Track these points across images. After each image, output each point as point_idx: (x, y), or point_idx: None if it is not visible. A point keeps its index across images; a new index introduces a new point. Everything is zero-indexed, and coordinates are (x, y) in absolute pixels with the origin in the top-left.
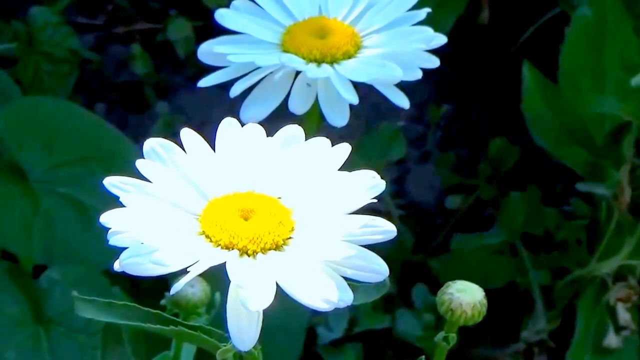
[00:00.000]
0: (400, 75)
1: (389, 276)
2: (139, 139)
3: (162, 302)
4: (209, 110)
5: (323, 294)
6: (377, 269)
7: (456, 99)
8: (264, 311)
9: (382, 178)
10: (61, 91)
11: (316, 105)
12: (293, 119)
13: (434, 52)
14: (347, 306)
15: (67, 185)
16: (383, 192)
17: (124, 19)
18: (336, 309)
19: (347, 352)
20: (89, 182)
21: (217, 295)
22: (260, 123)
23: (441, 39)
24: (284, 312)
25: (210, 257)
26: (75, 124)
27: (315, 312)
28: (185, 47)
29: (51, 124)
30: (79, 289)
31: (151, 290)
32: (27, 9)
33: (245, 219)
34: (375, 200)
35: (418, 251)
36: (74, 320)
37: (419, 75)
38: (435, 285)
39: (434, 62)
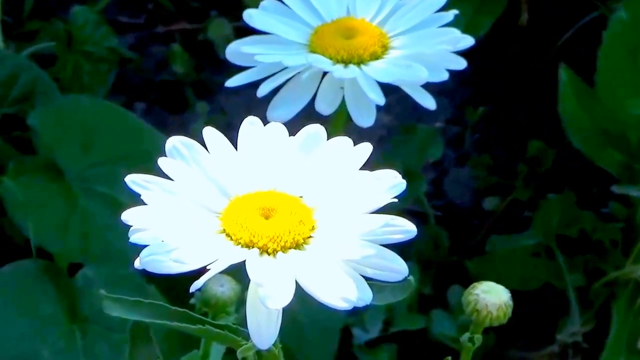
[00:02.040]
0: (426, 76)
1: (424, 277)
2: None
3: (192, 301)
4: (249, 110)
5: (342, 292)
6: (397, 268)
7: (494, 100)
8: (298, 310)
9: (418, 179)
10: (100, 90)
11: (343, 106)
12: (320, 119)
13: (470, 54)
14: (383, 307)
15: (104, 183)
16: (421, 193)
17: (165, 18)
18: (372, 310)
19: (382, 353)
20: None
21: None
22: (288, 124)
23: (468, 41)
24: (319, 311)
25: (230, 255)
26: (114, 123)
27: (350, 313)
28: (226, 47)
29: (89, 123)
30: (115, 288)
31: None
32: (67, 8)
33: (266, 218)
34: (396, 200)
35: (454, 252)
36: (110, 319)
37: (445, 76)
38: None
39: (461, 64)
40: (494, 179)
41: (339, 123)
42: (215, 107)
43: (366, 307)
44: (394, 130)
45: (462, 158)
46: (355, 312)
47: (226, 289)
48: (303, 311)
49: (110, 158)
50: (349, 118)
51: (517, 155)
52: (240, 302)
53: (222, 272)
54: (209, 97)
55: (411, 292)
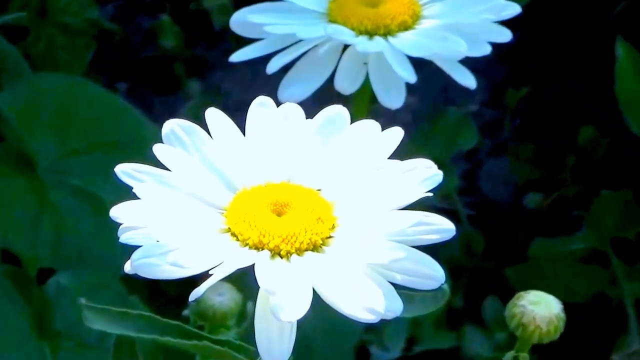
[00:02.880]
0: (465, 50)
1: (454, 287)
2: None
3: (185, 312)
4: (249, 91)
5: (367, 302)
6: (432, 274)
7: (537, 80)
8: (307, 325)
9: (448, 171)
10: (77, 68)
11: (367, 84)
12: (340, 100)
13: (511, 25)
14: (406, 322)
15: (81, 176)
16: (451, 188)
17: None
18: (393, 325)
19: None
20: (106, 174)
21: (250, 305)
22: (302, 105)
23: (514, 9)
24: (331, 325)
25: (237, 258)
26: (93, 106)
27: (367, 328)
28: (222, 18)
29: (65, 106)
30: (92, 298)
31: (178, 300)
32: None
33: (279, 215)
34: (431, 194)
35: (490, 258)
36: (86, 333)
37: (487, 50)
38: (510, 298)
39: (506, 36)
40: (537, 172)
41: (362, 105)
42: (209, 87)
43: (386, 321)
44: (420, 115)
45: (499, 147)
46: (373, 328)
47: (226, 299)
48: (312, 325)
49: (89, 147)
50: (372, 99)
51: (565, 144)
52: (242, 314)
53: (223, 279)
54: (202, 75)
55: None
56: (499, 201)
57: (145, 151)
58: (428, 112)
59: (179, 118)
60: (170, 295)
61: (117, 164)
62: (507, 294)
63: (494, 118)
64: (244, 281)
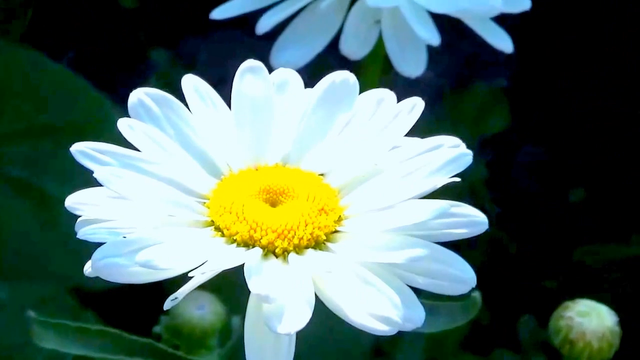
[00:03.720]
0: (499, 5)
1: (481, 301)
2: (126, 102)
3: (156, 329)
4: (227, 60)
5: (380, 309)
6: (460, 276)
7: (583, 47)
8: (306, 337)
9: (474, 160)
10: (14, 33)
11: (379, 47)
12: (346, 66)
13: None
14: (423, 340)
15: (20, 165)
16: (477, 180)
17: None
18: (408, 343)
19: None
20: (52, 162)
21: (236, 320)
22: (300, 73)
23: None
24: (332, 341)
25: (221, 257)
26: (35, 79)
27: (377, 346)
28: None
29: None
30: (36, 314)
31: (144, 316)
32: None
33: (273, 205)
34: (458, 180)
35: (524, 266)
36: (30, 357)
37: (526, 5)
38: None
39: None
40: (583, 161)
41: (373, 73)
42: (179, 56)
43: (400, 337)
44: (441, 90)
45: (536, 131)
46: (383, 353)
47: (206, 312)
48: (307, 339)
49: (30, 129)
50: (385, 67)
51: (619, 124)
52: (226, 331)
53: (204, 288)
54: (170, 42)
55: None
56: (535, 196)
57: (100, 134)
58: (451, 86)
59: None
60: (136, 308)
61: (66, 151)
62: (546, 310)
63: (529, 96)
64: (231, 289)
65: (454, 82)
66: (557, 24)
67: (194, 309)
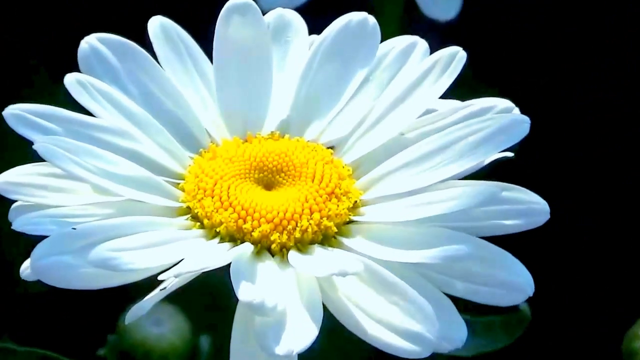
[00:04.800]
0: None
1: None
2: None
3: (100, 352)
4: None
5: (409, 324)
6: (513, 281)
7: None
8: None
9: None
10: None
11: None
12: (358, 6)
13: None
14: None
15: None
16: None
17: None
18: None
19: None
20: None
21: (205, 340)
22: (301, 14)
23: None
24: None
25: (201, 256)
26: None
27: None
28: None
29: None
30: None
31: (89, 333)
32: None
33: (267, 187)
34: (510, 155)
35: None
36: None
37: None
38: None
39: None
40: None
41: (393, 15)
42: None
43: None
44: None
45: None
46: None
47: (166, 330)
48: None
49: None
50: (408, 7)
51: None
52: (192, 354)
53: (167, 296)
54: None
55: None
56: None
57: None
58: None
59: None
60: (73, 323)
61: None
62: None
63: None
64: (202, 297)
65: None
66: (557, 16)
67: (150, 325)
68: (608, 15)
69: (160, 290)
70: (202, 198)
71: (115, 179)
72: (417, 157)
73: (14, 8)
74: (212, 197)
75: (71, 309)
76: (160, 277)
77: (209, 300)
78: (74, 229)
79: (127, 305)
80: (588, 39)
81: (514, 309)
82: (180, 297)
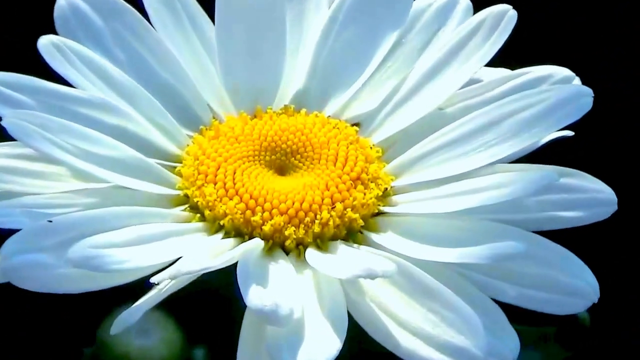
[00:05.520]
0: None
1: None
2: None
3: None
4: None
5: (451, 336)
6: (574, 286)
7: None
8: None
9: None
10: None
11: None
12: None
13: None
14: None
15: None
16: None
17: None
18: None
19: None
20: None
21: (199, 352)
22: None
23: None
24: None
25: (202, 253)
26: None
27: None
28: None
29: None
30: None
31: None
32: None
33: (281, 172)
34: (570, 134)
35: None
36: None
37: None
38: None
39: None
40: None
41: None
42: None
43: None
44: None
45: None
46: None
47: (152, 341)
48: None
49: None
50: None
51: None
52: None
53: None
54: None
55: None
56: None
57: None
58: None
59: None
60: (56, 329)
61: None
62: None
63: None
64: (194, 299)
65: None
66: (567, 5)
67: (134, 336)
68: (617, 5)
69: (153, 294)
70: (203, 185)
71: (98, 162)
72: (459, 136)
73: (14, 8)
74: (215, 184)
75: (47, 312)
76: (152, 280)
77: (207, 305)
78: (50, 221)
79: (112, 309)
80: (598, 28)
81: (572, 318)
82: (172, 301)
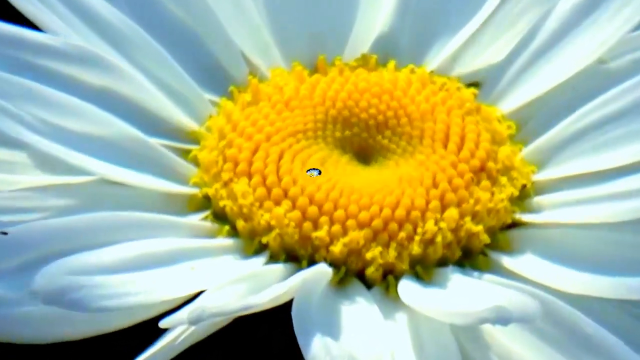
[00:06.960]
0: None
1: None
2: None
3: None
4: None
5: None
6: None
7: None
8: None
9: None
10: None
11: None
12: None
13: None
14: None
15: None
16: None
17: None
18: None
19: None
20: None
21: None
22: None
23: None
24: None
25: (233, 286)
26: None
27: None
28: None
29: None
30: None
31: None
32: None
33: (359, 156)
34: None
35: None
36: None
37: None
38: None
39: None
40: None
41: None
42: None
43: None
44: None
45: None
46: None
47: None
48: None
49: None
50: None
51: None
52: None
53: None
54: None
55: None
56: None
57: None
58: None
59: None
60: None
61: None
62: None
63: None
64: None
65: None
66: None
67: None
68: None
69: (165, 345)
70: (232, 179)
71: (77, 144)
72: (626, 107)
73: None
74: (250, 177)
75: None
76: (163, 324)
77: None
78: (5, 233)
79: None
80: None
81: None
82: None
